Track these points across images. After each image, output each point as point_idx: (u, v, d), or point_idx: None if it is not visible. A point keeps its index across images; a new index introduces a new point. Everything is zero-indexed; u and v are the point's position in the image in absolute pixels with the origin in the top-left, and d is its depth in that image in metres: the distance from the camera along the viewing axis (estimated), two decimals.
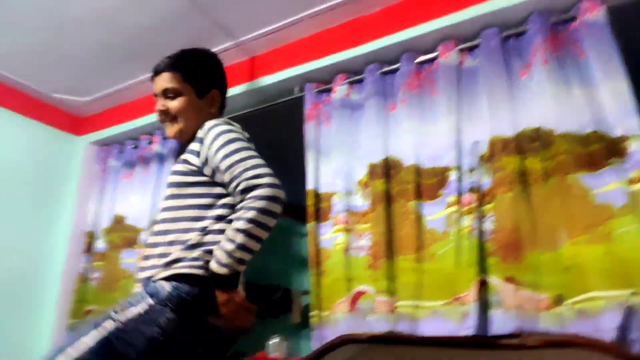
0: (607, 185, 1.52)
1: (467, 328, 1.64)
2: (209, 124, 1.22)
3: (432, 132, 2.01)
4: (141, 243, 2.78)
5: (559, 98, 1.69)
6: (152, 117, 2.98)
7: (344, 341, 1.80)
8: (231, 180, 1.11)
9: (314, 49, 2.38)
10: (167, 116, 1.30)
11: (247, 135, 1.29)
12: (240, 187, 1.09)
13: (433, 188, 1.96)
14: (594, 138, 1.59)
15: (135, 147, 3.14)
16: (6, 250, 2.89)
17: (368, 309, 1.95)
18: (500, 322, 1.61)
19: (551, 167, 1.67)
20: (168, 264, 1.14)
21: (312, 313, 2.07)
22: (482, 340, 1.56)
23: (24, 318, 2.93)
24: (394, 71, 2.20)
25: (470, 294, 1.68)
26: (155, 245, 1.21)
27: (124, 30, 2.42)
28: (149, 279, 1.17)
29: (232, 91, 2.64)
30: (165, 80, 1.30)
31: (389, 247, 1.96)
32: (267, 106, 2.62)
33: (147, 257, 1.24)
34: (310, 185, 2.27)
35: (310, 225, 2.20)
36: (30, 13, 2.31)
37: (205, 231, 1.16)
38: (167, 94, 1.29)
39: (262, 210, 1.06)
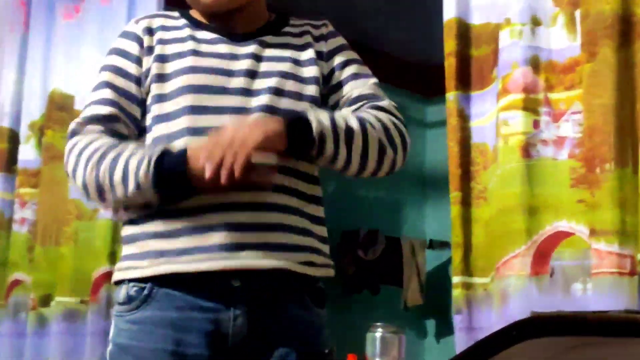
0: None
1: None
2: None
3: None
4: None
5: None
6: None
7: (534, 326, 1.08)
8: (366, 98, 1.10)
9: None
10: None
11: None
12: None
13: None
14: None
15: None
16: None
17: (572, 270, 1.48)
18: None
19: None
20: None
21: (455, 280, 1.57)
22: None
23: None
24: None
25: None
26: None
27: None
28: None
29: None
30: None
31: None
32: None
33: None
34: (449, 12, 1.61)
35: (450, 98, 1.62)
36: None
37: None
38: None
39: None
